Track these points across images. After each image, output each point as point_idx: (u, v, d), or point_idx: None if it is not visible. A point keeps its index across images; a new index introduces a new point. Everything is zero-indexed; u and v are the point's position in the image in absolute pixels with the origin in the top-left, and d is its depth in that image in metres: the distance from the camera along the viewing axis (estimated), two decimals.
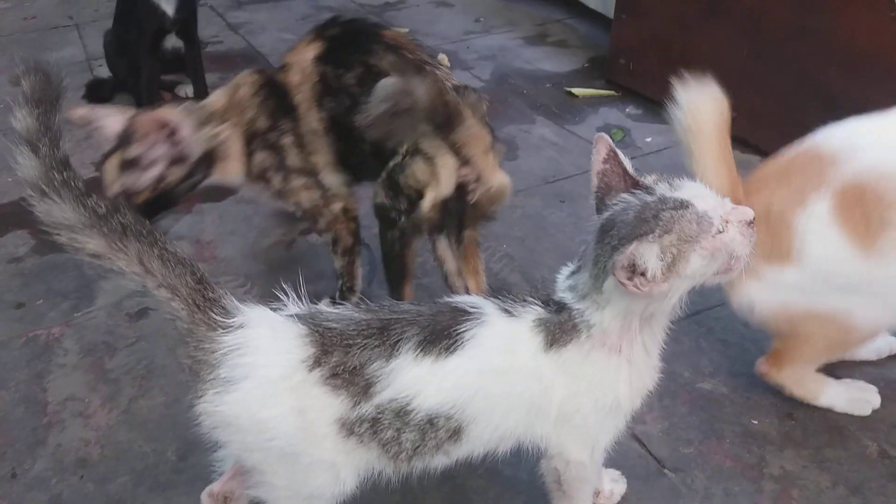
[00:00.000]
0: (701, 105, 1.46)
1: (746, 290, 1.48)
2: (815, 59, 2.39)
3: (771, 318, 1.51)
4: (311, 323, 1.14)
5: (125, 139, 1.67)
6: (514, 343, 1.15)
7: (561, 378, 1.15)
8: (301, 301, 1.19)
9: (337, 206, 1.84)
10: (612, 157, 1.14)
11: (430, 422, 1.13)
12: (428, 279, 2.02)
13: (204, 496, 1.38)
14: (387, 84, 1.49)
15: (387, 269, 1.78)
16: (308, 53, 1.76)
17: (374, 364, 1.11)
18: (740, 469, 1.54)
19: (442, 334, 1.12)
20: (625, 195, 1.11)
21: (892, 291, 1.42)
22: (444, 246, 1.80)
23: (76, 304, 2.06)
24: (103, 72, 3.30)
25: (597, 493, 1.42)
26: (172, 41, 2.99)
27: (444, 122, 1.56)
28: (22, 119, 1.08)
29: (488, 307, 1.17)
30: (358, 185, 1.87)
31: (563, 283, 1.18)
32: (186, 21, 2.98)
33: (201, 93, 2.98)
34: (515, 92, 3.18)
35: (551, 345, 1.14)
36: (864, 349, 1.72)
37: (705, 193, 1.09)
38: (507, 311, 1.16)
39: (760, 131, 2.51)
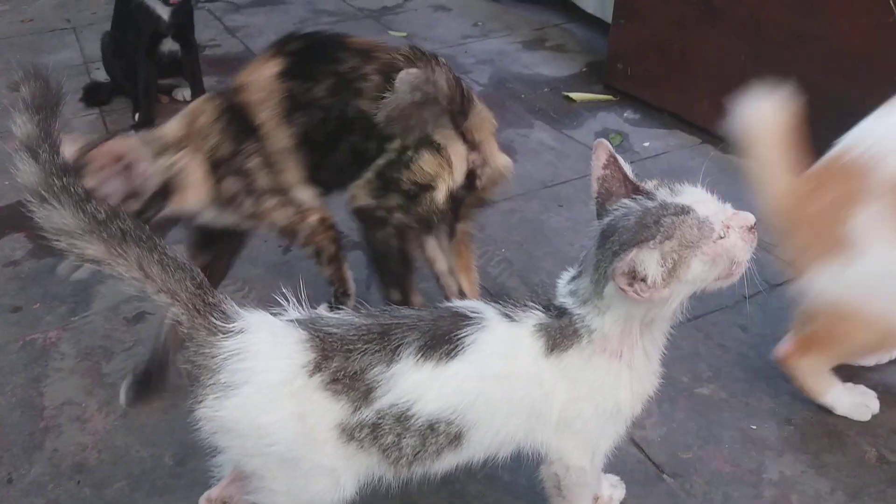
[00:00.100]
0: (762, 113, 1.50)
1: (809, 277, 1.50)
2: (813, 63, 2.39)
3: (821, 308, 1.52)
4: (312, 328, 1.13)
5: (75, 172, 1.58)
6: (515, 348, 1.14)
7: (562, 383, 1.14)
8: (301, 306, 1.18)
9: (313, 219, 1.78)
10: (612, 163, 1.14)
11: (431, 427, 1.12)
12: (426, 284, 2.02)
13: (202, 501, 1.37)
14: (409, 75, 1.48)
15: (383, 269, 1.74)
16: (267, 71, 1.69)
17: (375, 369, 1.10)
18: (739, 474, 1.54)
19: (443, 339, 1.12)
20: (626, 200, 1.11)
21: None
22: (433, 245, 1.78)
23: (73, 307, 2.05)
24: (101, 75, 3.30)
25: (596, 499, 1.42)
26: (169, 45, 3.00)
27: (461, 108, 1.56)
28: (22, 125, 1.08)
29: (489, 312, 1.16)
30: (328, 196, 1.81)
31: (564, 289, 1.18)
32: (182, 25, 2.98)
33: (199, 96, 2.97)
34: (513, 96, 3.19)
35: (552, 350, 1.14)
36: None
37: (706, 199, 1.09)
38: (507, 316, 1.16)
39: None
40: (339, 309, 1.27)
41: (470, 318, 1.15)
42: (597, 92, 3.18)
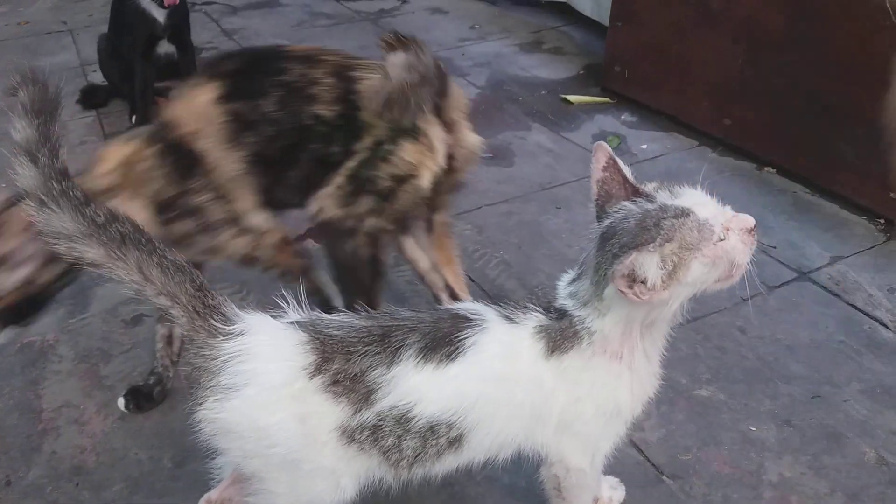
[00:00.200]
0: None
1: None
2: (809, 68, 2.40)
3: None
4: (312, 330, 1.13)
5: None
6: (516, 350, 1.14)
7: (562, 385, 1.15)
8: (301, 308, 1.18)
9: (273, 239, 1.66)
10: (611, 165, 1.15)
11: (432, 429, 1.12)
12: (422, 286, 2.02)
13: (201, 503, 1.37)
14: (400, 57, 1.46)
15: (351, 282, 1.65)
16: (201, 97, 1.55)
17: (375, 371, 1.10)
18: (738, 476, 1.54)
19: (443, 341, 1.12)
20: (625, 203, 1.11)
21: None
22: (411, 245, 1.74)
23: (71, 310, 2.04)
24: (97, 77, 3.30)
25: (596, 501, 1.42)
26: (166, 47, 2.99)
27: (443, 86, 1.53)
28: (21, 130, 1.08)
29: (489, 314, 1.16)
30: (281, 215, 1.70)
31: (564, 290, 1.18)
32: (178, 27, 2.98)
33: None
34: (511, 99, 3.19)
35: (552, 352, 1.14)
36: None
37: (706, 201, 1.09)
38: (508, 317, 1.16)
39: (754, 139, 2.52)
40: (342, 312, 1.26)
41: (470, 319, 1.15)
42: (594, 94, 3.18)
